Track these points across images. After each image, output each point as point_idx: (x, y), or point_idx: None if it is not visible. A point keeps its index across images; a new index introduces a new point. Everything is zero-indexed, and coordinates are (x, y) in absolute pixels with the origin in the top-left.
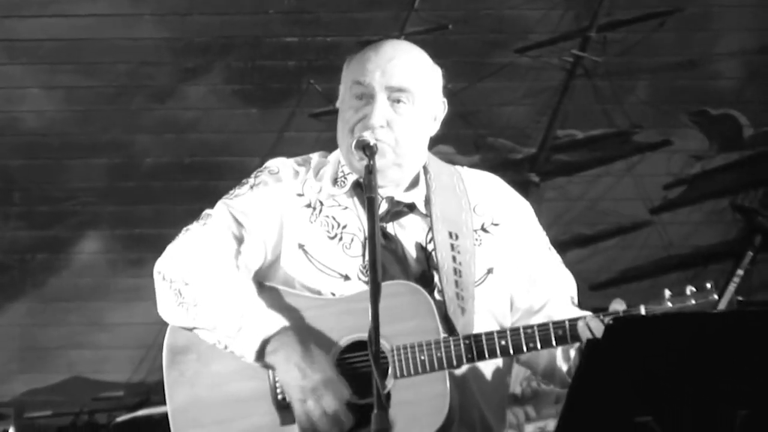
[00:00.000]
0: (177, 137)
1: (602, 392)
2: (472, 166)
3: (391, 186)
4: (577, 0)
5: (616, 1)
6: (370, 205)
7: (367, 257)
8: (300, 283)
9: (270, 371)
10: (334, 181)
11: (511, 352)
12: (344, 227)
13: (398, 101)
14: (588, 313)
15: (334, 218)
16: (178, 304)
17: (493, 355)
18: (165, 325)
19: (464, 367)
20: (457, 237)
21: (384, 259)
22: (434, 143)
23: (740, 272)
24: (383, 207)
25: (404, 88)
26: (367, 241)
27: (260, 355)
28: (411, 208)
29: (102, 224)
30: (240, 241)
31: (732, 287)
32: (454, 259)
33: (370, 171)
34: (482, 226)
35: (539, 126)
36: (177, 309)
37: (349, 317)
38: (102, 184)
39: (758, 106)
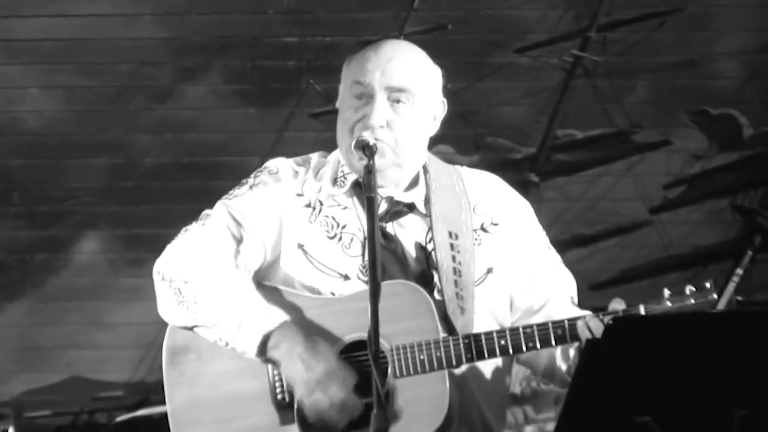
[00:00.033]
0: (176, 137)
1: (602, 392)
2: (471, 165)
3: (390, 186)
4: (576, 0)
5: (615, 1)
6: (369, 205)
7: (366, 257)
8: (300, 283)
9: (269, 371)
10: (334, 181)
11: (511, 351)
12: (344, 227)
13: (398, 101)
14: (588, 313)
15: (333, 218)
16: (178, 303)
17: (492, 354)
18: (164, 324)
19: (464, 367)
20: (456, 237)
21: (383, 258)
22: (434, 143)
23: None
24: (383, 207)
25: (404, 88)
26: (366, 241)
27: (262, 350)
28: (410, 207)
29: (101, 224)
30: (239, 241)
31: (731, 287)
32: (453, 258)
33: (369, 171)
34: (482, 225)
35: (539, 126)
36: (177, 308)
37: (348, 317)
38: (101, 184)
39: (758, 106)
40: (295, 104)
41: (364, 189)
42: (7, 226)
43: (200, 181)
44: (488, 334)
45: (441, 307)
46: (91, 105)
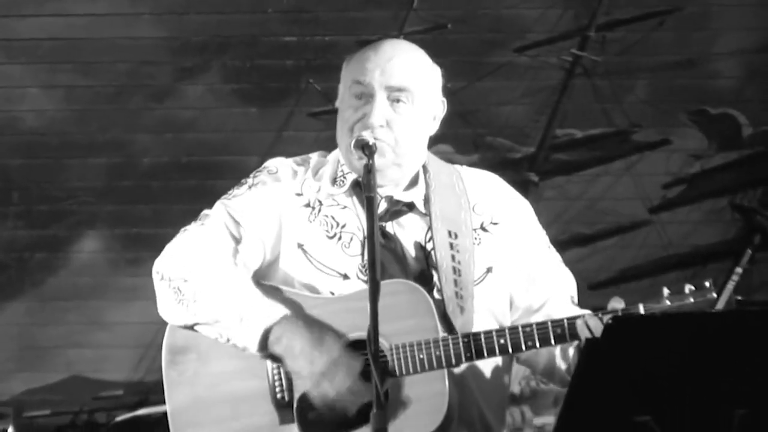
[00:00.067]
0: (175, 136)
1: (601, 391)
2: (471, 165)
3: (390, 185)
4: None
5: (614, 1)
6: (369, 205)
7: (366, 256)
8: (299, 283)
9: (269, 371)
10: (333, 181)
11: (510, 350)
12: (343, 226)
13: (397, 101)
14: (587, 312)
15: (333, 218)
16: (177, 302)
17: (491, 353)
18: (164, 324)
19: (463, 366)
20: (456, 236)
21: (383, 258)
22: (433, 142)
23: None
24: (382, 206)
25: (403, 87)
26: (366, 241)
27: (263, 344)
28: (410, 207)
29: (101, 223)
30: (238, 240)
31: (731, 286)
32: (453, 258)
33: (369, 170)
34: (481, 225)
35: (538, 125)
36: (177, 307)
37: (348, 316)
38: (101, 184)
39: (757, 106)
40: (295, 103)
41: (364, 188)
42: (6, 225)
43: (199, 180)
44: (487, 333)
45: (440, 306)
46: (90, 104)
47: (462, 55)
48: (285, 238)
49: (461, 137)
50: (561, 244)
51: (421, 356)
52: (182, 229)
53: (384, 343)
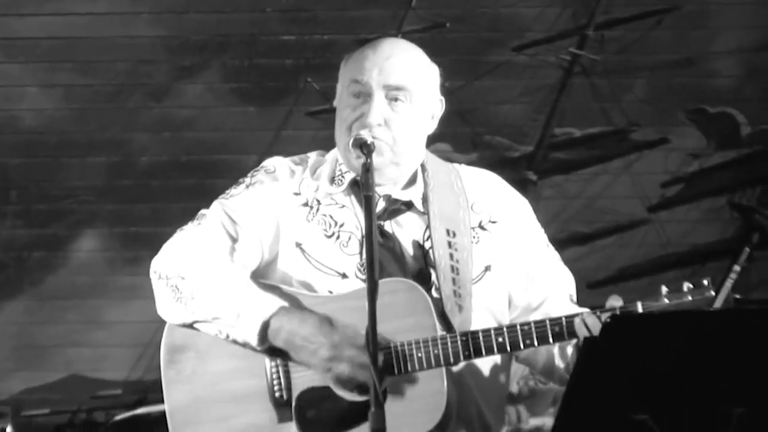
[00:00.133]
0: (174, 135)
1: (599, 390)
2: (469, 164)
3: (388, 184)
4: None
5: None
6: (367, 204)
7: (364, 255)
8: (298, 282)
9: (267, 369)
10: (332, 180)
11: (508, 349)
12: (341, 226)
13: (396, 99)
14: (585, 310)
15: (331, 217)
16: (176, 300)
17: (490, 352)
18: (162, 323)
19: (462, 364)
20: (454, 234)
21: (381, 257)
22: (432, 141)
23: (737, 268)
24: (381, 205)
25: (402, 86)
26: (364, 240)
27: (263, 338)
28: (408, 206)
29: (99, 222)
30: (235, 239)
31: (729, 283)
32: (451, 256)
33: (367, 169)
34: (480, 223)
35: (536, 124)
36: (175, 305)
37: (346, 315)
38: (100, 183)
39: (756, 104)
40: (293, 103)
41: (362, 187)
42: (5, 224)
43: (198, 179)
44: (486, 331)
45: (438, 304)
46: (89, 103)
47: (460, 54)
48: (283, 238)
49: (460, 136)
50: (560, 243)
51: (420, 354)
52: (179, 229)
53: (383, 341)
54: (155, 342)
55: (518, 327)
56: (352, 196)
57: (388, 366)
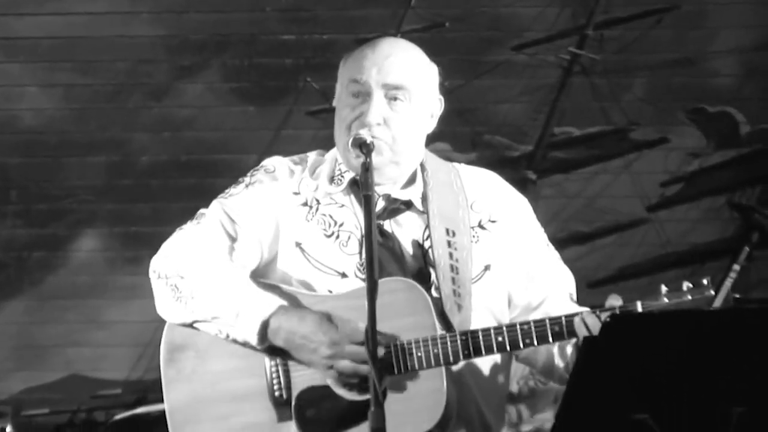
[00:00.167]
0: (174, 135)
1: (599, 390)
2: (469, 163)
3: (388, 183)
4: None
5: None
6: (366, 203)
7: (364, 255)
8: (297, 282)
9: (267, 369)
10: (331, 179)
11: (508, 348)
12: (341, 225)
13: (395, 99)
14: (585, 309)
15: (330, 216)
16: (175, 299)
17: (489, 351)
18: (162, 322)
19: (462, 364)
20: (454, 234)
21: (381, 256)
22: (431, 141)
23: (737, 267)
24: (380, 204)
25: (401, 85)
26: (363, 239)
27: (262, 337)
28: (408, 205)
29: (99, 222)
30: (234, 239)
31: (728, 283)
32: (450, 256)
33: (366, 168)
34: (479, 223)
35: (536, 123)
36: (175, 304)
37: (346, 314)
38: (99, 182)
39: (755, 104)
40: (293, 102)
41: (362, 187)
42: (5, 224)
43: (198, 179)
44: (485, 330)
45: (438, 304)
46: (89, 103)
47: (460, 53)
48: (282, 237)
49: (459, 135)
50: (559, 243)
51: (419, 354)
52: (178, 228)
53: (382, 340)
54: (155, 342)
55: (518, 326)
56: (352, 196)
57: (388, 365)
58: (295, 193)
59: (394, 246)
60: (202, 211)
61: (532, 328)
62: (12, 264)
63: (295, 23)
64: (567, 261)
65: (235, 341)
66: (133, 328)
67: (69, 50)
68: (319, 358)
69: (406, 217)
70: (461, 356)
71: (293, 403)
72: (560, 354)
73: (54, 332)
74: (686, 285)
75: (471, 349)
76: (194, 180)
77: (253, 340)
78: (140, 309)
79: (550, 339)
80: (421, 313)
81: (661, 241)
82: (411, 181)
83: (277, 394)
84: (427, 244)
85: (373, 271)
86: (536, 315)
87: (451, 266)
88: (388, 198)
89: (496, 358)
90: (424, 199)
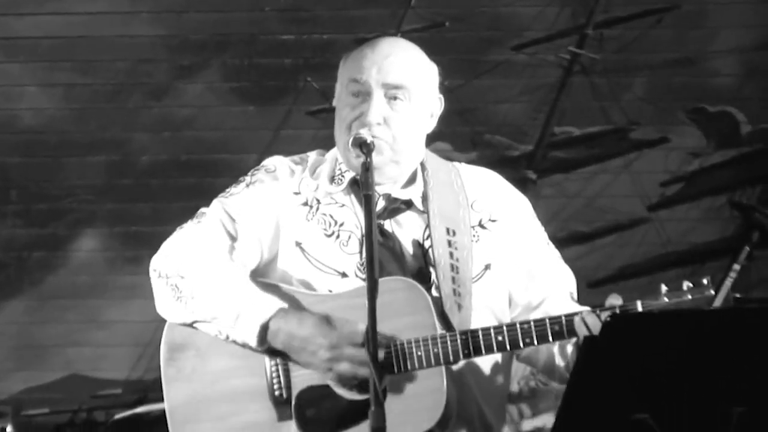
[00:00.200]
0: (174, 135)
1: (599, 389)
2: (469, 163)
3: (388, 183)
4: None
5: None
6: (367, 203)
7: (364, 254)
8: (297, 281)
9: (267, 368)
10: (332, 179)
11: (508, 347)
12: (341, 225)
13: (395, 98)
14: (585, 309)
15: (331, 216)
16: (176, 299)
17: (489, 350)
18: (163, 322)
19: (462, 363)
20: (454, 233)
21: (381, 256)
22: (431, 140)
23: (737, 267)
24: (380, 204)
25: (401, 85)
26: (364, 239)
27: (262, 339)
28: (408, 204)
29: (99, 222)
30: (234, 238)
31: (728, 282)
32: (451, 255)
33: (367, 168)
34: (480, 222)
35: (536, 123)
36: (175, 304)
37: (346, 313)
38: (99, 182)
39: (755, 103)
40: (293, 102)
41: (362, 186)
42: (5, 224)
43: (198, 178)
44: (485, 330)
45: (438, 303)
46: (89, 103)
47: (460, 53)
48: (283, 237)
49: (459, 135)
50: (559, 242)
51: (419, 353)
52: (179, 227)
53: (383, 340)
54: (155, 341)
55: (518, 326)
56: (352, 195)
57: (388, 364)
58: (296, 193)
59: (394, 245)
60: (202, 210)
61: (532, 327)
62: (12, 264)
63: (295, 23)
64: (567, 261)
65: (234, 342)
66: (133, 328)
67: (69, 50)
68: (318, 361)
69: (407, 217)
70: (461, 356)
71: (293, 402)
72: (561, 353)
73: (54, 332)
74: (686, 284)
75: (471, 348)
76: (194, 180)
77: (253, 342)
78: (140, 309)
79: (550, 338)
80: (421, 312)
81: (662, 240)
82: (411, 180)
83: (277, 393)
84: (427, 244)
85: (373, 271)
86: (537, 314)
87: (452, 266)
88: (388, 197)
89: (497, 357)
90: (425, 198)
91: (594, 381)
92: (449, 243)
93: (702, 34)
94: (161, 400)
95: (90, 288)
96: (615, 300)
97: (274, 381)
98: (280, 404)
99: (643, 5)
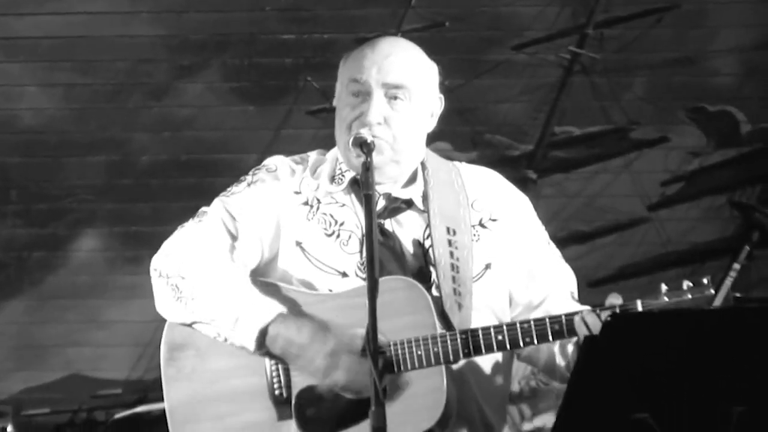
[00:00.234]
0: (174, 135)
1: (600, 389)
2: (469, 162)
3: (388, 182)
4: None
5: None
6: (367, 202)
7: (364, 254)
8: (298, 281)
9: (267, 368)
10: (332, 179)
11: (508, 347)
12: (342, 224)
13: (395, 98)
14: (586, 308)
15: (331, 215)
16: (176, 299)
17: (489, 350)
18: (163, 322)
19: (462, 363)
20: (454, 233)
21: (381, 255)
22: (431, 140)
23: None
24: (381, 203)
25: (401, 84)
26: (364, 238)
27: (260, 344)
28: (409, 204)
29: (99, 222)
30: (235, 237)
31: (728, 281)
32: (451, 254)
33: (367, 168)
34: (480, 221)
35: (536, 123)
36: (175, 304)
37: (346, 313)
38: (99, 182)
39: (755, 103)
40: (293, 101)
41: (362, 186)
42: (5, 224)
43: (198, 178)
44: (485, 329)
45: (438, 303)
46: (89, 103)
47: (460, 52)
48: (283, 236)
49: (459, 135)
50: (559, 242)
51: (419, 352)
52: (180, 226)
53: (382, 339)
54: (155, 341)
55: (518, 325)
56: (353, 195)
57: (388, 364)
58: (296, 193)
59: (394, 245)
60: (204, 209)
61: (532, 326)
62: (12, 264)
63: (295, 23)
64: (567, 260)
65: (232, 345)
66: (133, 328)
67: (69, 50)
68: (314, 368)
69: (407, 216)
70: (461, 355)
71: (293, 401)
72: (562, 353)
73: (54, 332)
74: (686, 284)
75: (471, 347)
76: (194, 179)
77: (251, 346)
78: (140, 309)
79: (550, 338)
80: (421, 311)
81: (662, 240)
82: (412, 180)
83: (277, 392)
84: (427, 243)
85: (373, 271)
86: (537, 313)
87: (452, 265)
88: (388, 197)
89: (498, 357)
90: (425, 198)
91: (594, 380)
92: (449, 242)
93: (702, 34)
94: (161, 399)
95: (90, 288)
96: (615, 299)
97: (274, 380)
98: (280, 404)
99: (643, 5)
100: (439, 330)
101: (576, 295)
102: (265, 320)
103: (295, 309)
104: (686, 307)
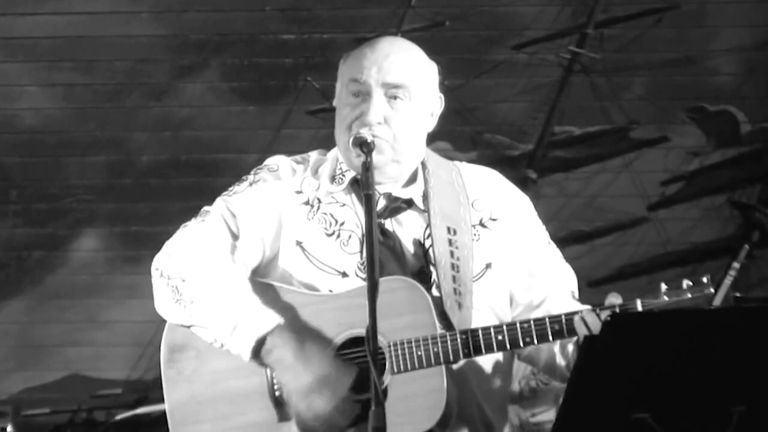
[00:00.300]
0: (174, 134)
1: (600, 388)
2: (469, 162)
3: (389, 182)
4: None
5: None
6: (367, 202)
7: (364, 254)
8: (298, 281)
9: (267, 369)
10: (332, 179)
11: (508, 347)
12: (342, 224)
13: (395, 98)
14: (586, 308)
15: (331, 215)
16: (175, 301)
17: (489, 350)
18: (163, 322)
19: (463, 363)
20: (455, 232)
21: (382, 255)
22: (431, 140)
23: (736, 265)
24: (381, 203)
25: (401, 84)
26: (364, 238)
27: (256, 353)
28: (409, 204)
29: (99, 221)
30: (237, 237)
31: (728, 281)
32: (451, 254)
33: (367, 168)
34: (481, 221)
35: (536, 122)
36: (174, 306)
37: (346, 313)
38: (99, 182)
39: (755, 102)
40: (293, 101)
41: (363, 186)
42: (5, 223)
43: (198, 178)
44: (485, 329)
45: (438, 302)
46: (88, 103)
47: (460, 52)
48: (284, 236)
49: (459, 134)
50: (559, 242)
51: (419, 353)
52: (182, 225)
53: (382, 339)
54: (155, 341)
55: (518, 325)
56: (353, 195)
57: (387, 366)
58: (297, 192)
59: (394, 245)
60: (206, 208)
61: (532, 326)
62: (12, 263)
63: (295, 23)
64: (567, 260)
65: (229, 352)
66: (133, 328)
67: (69, 50)
68: (297, 386)
69: (407, 216)
70: (461, 355)
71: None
72: (562, 353)
73: (54, 332)
74: (686, 283)
75: (471, 347)
76: (194, 179)
77: (246, 355)
78: (140, 309)
79: (550, 337)
80: (421, 311)
81: (661, 240)
82: (412, 179)
83: (277, 393)
84: (428, 243)
85: (373, 271)
86: (538, 313)
87: (452, 265)
88: (389, 197)
89: (498, 357)
90: (425, 197)
91: (594, 380)
92: (450, 242)
93: (702, 34)
94: (161, 399)
95: (90, 288)
96: (615, 299)
97: (275, 381)
98: (281, 405)
99: (643, 5)
100: (439, 330)
101: (577, 295)
102: (263, 331)
103: (295, 313)
104: (686, 306)
